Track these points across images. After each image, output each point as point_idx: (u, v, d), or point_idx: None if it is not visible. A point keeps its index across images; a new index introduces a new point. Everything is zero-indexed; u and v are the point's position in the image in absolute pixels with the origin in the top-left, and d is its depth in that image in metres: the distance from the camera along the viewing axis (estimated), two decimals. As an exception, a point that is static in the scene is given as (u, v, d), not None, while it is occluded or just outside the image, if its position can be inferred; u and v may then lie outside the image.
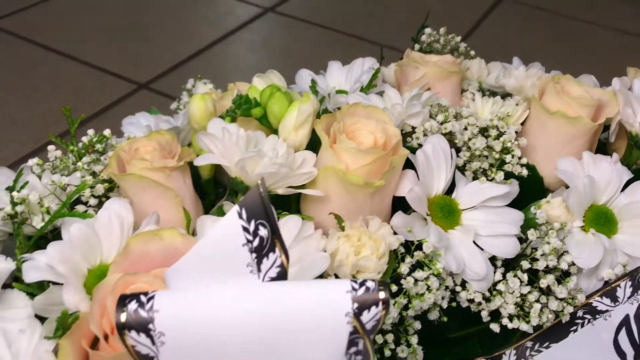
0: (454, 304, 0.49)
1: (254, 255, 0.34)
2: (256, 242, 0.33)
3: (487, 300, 0.49)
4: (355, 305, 0.32)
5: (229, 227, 0.33)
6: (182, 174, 0.49)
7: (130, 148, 0.48)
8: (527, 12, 1.35)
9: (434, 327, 0.50)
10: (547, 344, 0.51)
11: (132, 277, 0.37)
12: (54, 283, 0.40)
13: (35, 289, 0.41)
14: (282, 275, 0.34)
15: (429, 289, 0.46)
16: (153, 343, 0.32)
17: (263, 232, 0.33)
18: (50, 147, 0.49)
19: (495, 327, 0.49)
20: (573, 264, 0.49)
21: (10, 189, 0.46)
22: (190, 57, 1.11)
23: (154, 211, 0.45)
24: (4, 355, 0.35)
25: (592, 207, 0.53)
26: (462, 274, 0.49)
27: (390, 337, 0.47)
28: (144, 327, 0.32)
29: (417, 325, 0.48)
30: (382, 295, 0.32)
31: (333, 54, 0.63)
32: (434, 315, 0.48)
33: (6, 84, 0.96)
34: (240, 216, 0.33)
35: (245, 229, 0.33)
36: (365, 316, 0.32)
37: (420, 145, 0.53)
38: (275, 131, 0.53)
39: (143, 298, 0.33)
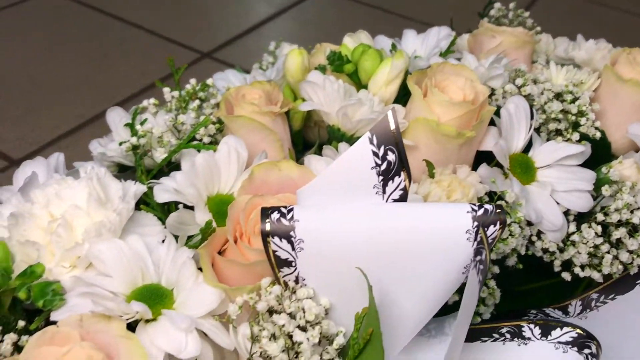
0: (530, 252, 0.53)
1: (381, 177, 0.37)
2: (384, 166, 0.37)
3: (561, 250, 0.53)
4: (475, 223, 0.36)
5: (359, 151, 0.37)
6: (282, 120, 0.53)
7: (237, 94, 0.52)
8: (571, 2, 1.38)
9: (507, 278, 0.53)
10: (612, 295, 0.55)
11: (259, 198, 0.41)
12: (179, 206, 0.45)
13: (159, 212, 0.45)
14: (404, 198, 0.38)
15: (511, 234, 0.50)
16: (293, 248, 0.36)
17: (391, 157, 0.37)
18: (166, 89, 0.53)
19: (566, 276, 0.53)
20: (644, 219, 0.52)
21: (130, 125, 0.50)
22: (246, 31, 1.15)
23: (262, 150, 0.49)
24: (147, 262, 0.39)
25: (662, 171, 0.56)
26: (539, 225, 0.52)
27: (472, 278, 0.50)
28: (286, 234, 0.36)
29: (496, 269, 0.51)
30: (500, 216, 0.36)
31: (382, 32, 0.66)
32: (512, 261, 0.52)
33: (79, 50, 1.00)
34: (370, 142, 0.37)
35: (375, 154, 0.37)
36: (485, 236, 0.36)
37: (499, 107, 0.56)
38: (362, 88, 0.56)
39: (284, 210, 0.37)
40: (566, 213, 0.54)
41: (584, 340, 0.38)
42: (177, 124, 0.49)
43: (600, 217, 0.52)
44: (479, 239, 0.35)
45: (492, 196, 0.52)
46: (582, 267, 0.52)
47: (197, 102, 0.52)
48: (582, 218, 0.54)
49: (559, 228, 0.52)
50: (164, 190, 0.44)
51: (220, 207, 0.45)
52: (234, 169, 0.47)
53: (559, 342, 0.38)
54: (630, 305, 0.54)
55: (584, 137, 0.56)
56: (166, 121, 0.49)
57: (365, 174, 0.38)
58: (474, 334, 0.41)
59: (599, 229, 0.52)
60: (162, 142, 0.48)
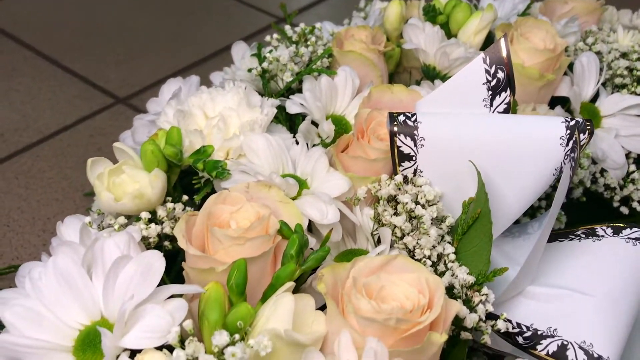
0: (592, 188, 0.60)
1: (490, 92, 0.45)
2: (493, 82, 0.45)
3: (621, 187, 0.60)
4: (568, 131, 0.43)
5: (473, 69, 0.45)
6: (382, 60, 0.61)
7: (347, 33, 0.60)
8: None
9: (571, 209, 0.60)
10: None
11: (377, 112, 0.49)
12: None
13: (285, 124, 0.53)
14: (507, 111, 0.46)
15: (580, 166, 0.58)
16: (415, 145, 0.44)
17: (501, 74, 0.45)
18: (287, 27, 0.61)
19: (624, 210, 0.60)
20: (697, 163, 0.60)
21: (257, 55, 0.58)
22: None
23: (369, 82, 0.57)
24: (286, 156, 0.47)
25: None
26: (603, 163, 0.60)
27: (543, 203, 0.58)
28: (410, 132, 0.44)
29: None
30: (589, 127, 0.44)
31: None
32: (577, 193, 0.59)
33: (168, 7, 1.09)
34: (484, 61, 0.45)
35: (487, 71, 0.45)
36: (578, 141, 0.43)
37: (571, 63, 0.64)
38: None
39: (409, 114, 0.45)
40: (627, 155, 0.61)
41: (649, 237, 0.46)
42: (298, 55, 0.58)
43: (658, 157, 0.60)
44: (571, 144, 0.42)
45: (564, 135, 0.59)
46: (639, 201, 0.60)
47: (313, 38, 0.60)
48: (640, 161, 0.62)
49: (621, 167, 0.60)
50: (294, 104, 0.52)
51: (335, 124, 0.54)
52: (348, 93, 0.55)
53: (629, 238, 0.46)
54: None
55: (645, 92, 0.64)
56: (290, 52, 0.57)
57: (477, 88, 0.45)
58: (552, 237, 0.49)
59: (657, 168, 0.59)
60: (288, 67, 0.56)
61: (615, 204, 0.61)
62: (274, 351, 0.33)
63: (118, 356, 0.34)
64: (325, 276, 0.36)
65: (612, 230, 0.47)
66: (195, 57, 0.97)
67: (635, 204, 0.60)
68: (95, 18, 1.04)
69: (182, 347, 0.32)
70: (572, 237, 0.49)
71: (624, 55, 0.65)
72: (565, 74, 0.62)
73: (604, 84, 0.65)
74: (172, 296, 0.36)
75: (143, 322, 0.34)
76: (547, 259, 0.46)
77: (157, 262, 0.36)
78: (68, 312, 0.36)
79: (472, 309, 0.39)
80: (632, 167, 0.60)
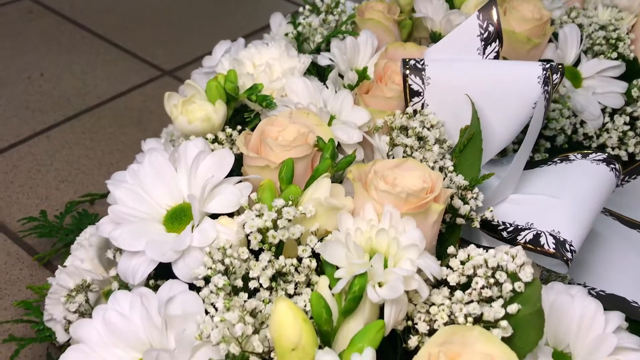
0: (573, 138, 0.72)
1: (482, 43, 0.57)
2: (485, 35, 0.57)
3: (597, 136, 0.72)
4: (545, 72, 0.55)
5: (469, 24, 0.57)
6: (397, 28, 0.73)
7: (367, 5, 0.72)
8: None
9: (554, 153, 0.72)
10: (634, 175, 0.73)
11: (392, 62, 0.61)
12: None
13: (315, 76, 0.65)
14: (496, 58, 0.57)
15: (562, 114, 0.69)
16: (423, 83, 0.56)
17: (491, 29, 0.56)
18: (318, 1, 0.73)
19: (600, 155, 0.72)
20: (662, 115, 0.71)
21: (292, 22, 0.70)
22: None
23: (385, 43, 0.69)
24: (318, 96, 0.59)
25: (678, 85, 0.74)
26: (582, 115, 0.71)
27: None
28: (419, 73, 0.56)
29: (548, 144, 0.70)
30: (560, 68, 0.55)
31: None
32: (560, 140, 0.70)
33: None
34: (478, 18, 0.57)
35: (480, 26, 0.57)
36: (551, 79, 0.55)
37: (556, 33, 0.75)
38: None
39: (418, 59, 0.57)
40: (603, 110, 0.72)
41: (610, 160, 0.57)
42: (326, 22, 0.70)
43: (628, 109, 0.71)
44: (547, 82, 0.54)
45: (549, 91, 0.71)
46: (613, 148, 0.71)
47: (341, 6, 0.72)
48: (614, 114, 0.73)
49: (597, 118, 0.71)
50: (324, 58, 0.65)
51: (358, 75, 0.65)
52: (368, 51, 0.67)
53: (594, 160, 0.57)
54: (648, 182, 0.72)
55: (620, 57, 0.75)
56: (319, 19, 0.69)
57: (472, 39, 0.57)
58: (533, 165, 0.60)
59: (627, 119, 0.71)
60: (318, 31, 0.68)
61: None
62: (316, 214, 0.45)
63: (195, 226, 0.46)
64: (353, 171, 0.48)
65: (581, 155, 0.58)
66: (230, 37, 1.09)
67: (609, 150, 0.71)
68: (142, 3, 1.17)
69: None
70: (550, 163, 0.60)
71: (602, 27, 0.77)
72: (551, 41, 0.74)
73: (585, 52, 0.76)
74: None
75: (220, 196, 0.46)
76: (528, 177, 0.58)
77: (228, 155, 0.48)
78: (159, 195, 0.48)
79: (466, 202, 0.50)
80: (607, 119, 0.72)
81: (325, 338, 0.40)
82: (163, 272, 0.46)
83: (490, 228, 0.54)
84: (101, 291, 0.51)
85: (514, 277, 0.42)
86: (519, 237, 0.52)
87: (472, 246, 0.44)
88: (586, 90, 0.73)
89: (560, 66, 0.55)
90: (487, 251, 0.43)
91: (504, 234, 0.54)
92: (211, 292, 0.41)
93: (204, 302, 0.42)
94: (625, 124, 0.71)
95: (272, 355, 0.39)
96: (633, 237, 0.65)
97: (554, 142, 0.71)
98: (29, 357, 0.58)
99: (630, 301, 0.56)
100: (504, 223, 0.54)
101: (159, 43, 1.05)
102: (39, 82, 0.95)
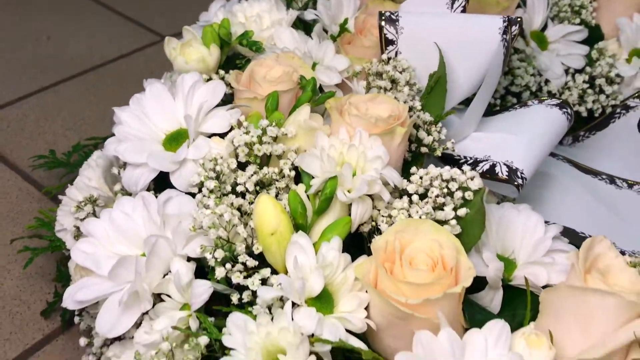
0: (538, 93, 0.78)
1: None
2: (453, -9, 0.63)
3: (560, 93, 0.78)
4: (505, 24, 0.61)
5: (439, -19, 0.63)
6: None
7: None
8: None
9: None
10: (593, 132, 0.80)
11: (372, 17, 0.67)
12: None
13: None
14: (464, 12, 0.64)
15: (526, 71, 0.75)
16: (396, 32, 0.63)
17: (458, -15, 0.63)
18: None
19: (562, 112, 0.78)
20: (618, 75, 0.77)
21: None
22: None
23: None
24: (303, 47, 0.66)
25: (635, 50, 0.81)
26: (545, 74, 0.78)
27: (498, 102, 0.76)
28: (394, 23, 0.62)
29: (515, 100, 0.77)
30: (519, 20, 0.62)
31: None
32: (525, 96, 0.77)
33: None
34: (446, -27, 0.63)
35: (449, -17, 0.63)
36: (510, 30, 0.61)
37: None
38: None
39: (392, 11, 0.63)
40: (567, 71, 0.79)
41: (563, 105, 0.64)
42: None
43: (588, 69, 0.77)
44: (506, 32, 0.60)
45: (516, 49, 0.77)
46: (574, 104, 0.78)
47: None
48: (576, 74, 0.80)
49: (559, 77, 0.78)
50: (310, 13, 0.71)
51: (340, 29, 0.72)
52: (351, 9, 0.73)
53: (548, 104, 0.64)
54: (605, 137, 0.79)
55: (583, 23, 0.81)
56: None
57: (442, -5, 0.64)
58: (493, 112, 0.67)
59: (586, 77, 0.77)
60: (304, -8, 0.75)
61: (556, 108, 0.79)
62: (297, 136, 0.51)
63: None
64: (331, 102, 0.54)
65: (538, 101, 0.65)
66: (226, 10, 1.16)
67: (570, 106, 0.78)
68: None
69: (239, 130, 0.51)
70: (511, 109, 0.67)
71: (567, -5, 0.83)
72: (520, 7, 0.81)
73: (552, 19, 0.83)
74: (228, 112, 0.55)
75: (212, 119, 0.53)
76: (490, 121, 0.64)
77: (219, 85, 0.55)
78: (159, 121, 0.55)
79: (430, 134, 0.57)
80: (569, 78, 0.78)
81: (301, 231, 0.47)
82: (162, 188, 0.53)
83: (453, 162, 0.61)
84: (106, 207, 0.57)
85: (464, 188, 0.49)
86: (477, 168, 0.59)
87: (431, 165, 0.51)
88: (550, 51, 0.79)
89: (519, 19, 0.62)
90: (442, 169, 0.50)
91: (465, 166, 0.61)
92: (203, 195, 0.48)
93: (197, 205, 0.48)
94: (584, 82, 0.77)
95: (254, 241, 0.45)
96: (586, 180, 0.72)
97: (520, 98, 0.78)
98: (41, 269, 0.65)
99: (579, 232, 0.63)
100: (465, 157, 0.61)
101: (160, 12, 1.12)
102: (46, 44, 1.01)
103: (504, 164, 0.58)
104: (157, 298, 0.47)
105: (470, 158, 0.60)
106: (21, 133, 0.83)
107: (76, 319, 0.53)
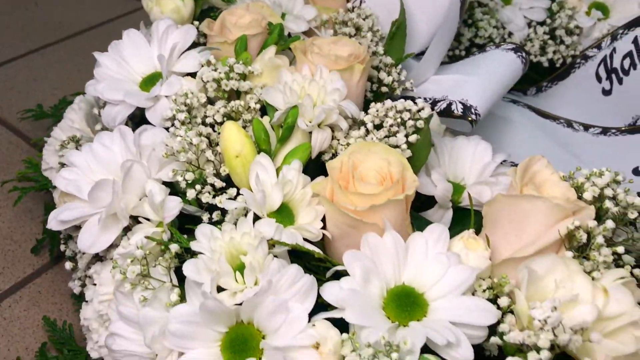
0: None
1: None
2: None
3: (523, 45, 0.82)
4: (461, -29, 0.65)
5: None
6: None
7: None
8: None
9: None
10: (555, 82, 0.84)
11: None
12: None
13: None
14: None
15: (489, 23, 0.79)
16: (360, -18, 0.66)
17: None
18: None
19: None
20: (577, 27, 0.81)
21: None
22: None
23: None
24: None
25: (594, 2, 0.85)
26: (508, 26, 0.82)
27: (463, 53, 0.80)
28: (357, -27, 0.66)
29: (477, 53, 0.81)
30: (474, -32, 0.65)
31: None
32: (481, 41, 0.81)
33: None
34: None
35: None
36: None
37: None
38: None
39: (356, -38, 0.67)
40: (529, 24, 0.83)
41: (518, 49, 0.68)
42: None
43: (548, 21, 0.81)
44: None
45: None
46: (535, 55, 0.82)
47: None
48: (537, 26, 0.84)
49: (521, 29, 0.82)
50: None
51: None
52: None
53: (504, 49, 0.68)
54: (566, 86, 0.83)
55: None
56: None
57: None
58: (452, 60, 0.71)
59: (547, 29, 0.81)
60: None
61: (520, 59, 0.83)
62: (263, 74, 0.55)
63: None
64: (296, 44, 0.58)
65: (495, 46, 0.69)
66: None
67: (532, 57, 0.82)
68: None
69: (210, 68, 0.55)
70: (470, 55, 0.71)
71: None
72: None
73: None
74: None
75: (185, 59, 0.57)
76: (449, 66, 0.68)
77: (191, 29, 0.59)
78: (136, 65, 0.59)
79: (390, 75, 0.61)
80: (531, 30, 0.82)
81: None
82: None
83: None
84: (89, 147, 0.62)
85: (416, 118, 0.53)
86: (436, 107, 0.63)
87: (388, 100, 0.55)
88: (513, 5, 0.83)
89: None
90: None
91: (418, 99, 0.65)
92: (175, 127, 0.52)
93: (170, 137, 0.52)
94: (545, 33, 0.81)
95: (221, 165, 0.50)
96: (545, 124, 0.76)
97: (484, 51, 0.82)
98: (30, 213, 0.69)
99: (534, 169, 0.68)
100: (425, 98, 0.65)
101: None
102: (33, 10, 1.05)
103: (459, 102, 0.62)
104: (135, 222, 0.51)
105: (430, 99, 0.64)
106: (10, 92, 0.87)
107: (62, 247, 0.58)
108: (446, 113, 0.62)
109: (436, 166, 0.53)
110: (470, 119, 0.61)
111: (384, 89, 0.61)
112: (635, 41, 0.76)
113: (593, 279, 0.41)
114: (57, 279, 0.63)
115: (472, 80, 0.64)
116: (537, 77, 0.86)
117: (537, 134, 0.74)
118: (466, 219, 0.53)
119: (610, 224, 0.43)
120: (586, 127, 0.76)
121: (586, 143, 0.75)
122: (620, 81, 0.78)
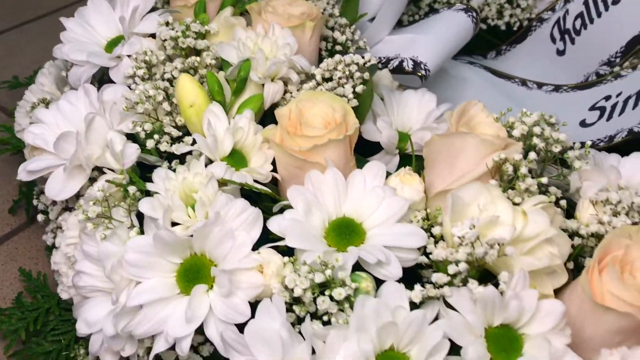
0: (461, 11, 0.85)
1: None
2: None
3: (481, 10, 0.86)
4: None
5: None
6: None
7: None
8: None
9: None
10: (514, 45, 0.87)
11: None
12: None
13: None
14: None
15: (447, -11, 0.83)
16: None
17: None
18: None
19: (483, 26, 0.86)
20: (533, -6, 0.85)
21: None
22: None
23: None
24: None
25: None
26: (466, -8, 0.85)
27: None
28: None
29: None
30: None
31: None
32: (440, 6, 0.84)
33: None
34: None
35: None
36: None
37: None
38: None
39: None
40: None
41: (469, 9, 0.71)
42: None
43: (502, -13, 0.85)
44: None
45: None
46: (493, 19, 0.85)
47: None
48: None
49: (478, -5, 0.85)
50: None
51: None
52: None
53: (455, 9, 0.71)
54: (524, 48, 0.86)
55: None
56: None
57: None
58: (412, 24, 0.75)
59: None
60: None
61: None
62: (219, 33, 0.59)
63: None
64: (252, 5, 0.61)
65: (447, 7, 0.73)
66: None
67: (489, 21, 0.85)
68: None
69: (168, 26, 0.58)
70: (425, 17, 0.74)
71: None
72: None
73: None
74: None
75: (146, 21, 0.60)
76: (404, 29, 0.72)
77: (152, -7, 0.62)
78: (100, 29, 0.62)
79: (343, 34, 0.64)
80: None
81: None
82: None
83: (369, 62, 0.68)
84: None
85: (363, 69, 0.56)
86: (389, 65, 0.67)
87: (337, 55, 0.59)
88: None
89: None
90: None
91: (380, 65, 0.68)
92: (135, 83, 0.55)
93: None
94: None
95: (178, 117, 0.53)
96: (500, 83, 0.80)
97: (437, 12, 0.85)
98: (8, 177, 0.73)
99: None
100: (379, 57, 0.68)
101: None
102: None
103: (410, 59, 0.66)
104: (100, 174, 0.54)
105: (384, 58, 0.68)
106: (-12, 67, 0.90)
107: (34, 201, 0.61)
108: (398, 70, 0.66)
109: (382, 114, 0.57)
110: (420, 74, 0.64)
111: (338, 48, 0.64)
112: (585, 2, 0.80)
113: (516, 204, 0.45)
114: (34, 236, 0.67)
115: (423, 39, 0.67)
116: (497, 41, 0.90)
117: (492, 92, 0.77)
118: (411, 163, 0.57)
119: (532, 155, 0.46)
120: (539, 85, 0.80)
121: (539, 100, 0.79)
122: (572, 41, 0.82)
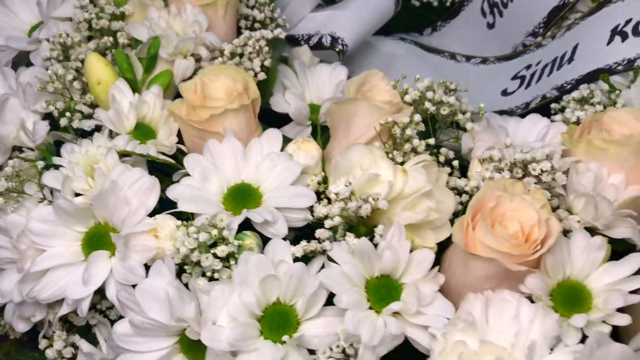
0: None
1: None
2: None
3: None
4: None
5: None
6: None
7: None
8: None
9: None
10: (448, 20, 0.89)
11: None
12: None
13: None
14: None
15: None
16: None
17: None
18: None
19: (416, 3, 0.88)
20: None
21: None
22: None
23: None
24: None
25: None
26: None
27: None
28: None
29: None
30: None
31: None
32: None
33: None
34: None
35: None
36: None
37: None
38: None
39: None
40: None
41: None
42: None
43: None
44: None
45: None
46: (428, -5, 0.87)
47: None
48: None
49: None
50: None
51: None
52: None
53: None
54: (457, 23, 0.88)
55: None
56: None
57: None
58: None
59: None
60: None
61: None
62: (134, 14, 0.61)
63: None
64: (169, -12, 0.63)
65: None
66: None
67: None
68: None
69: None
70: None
71: None
72: None
73: None
74: None
75: (62, 6, 0.62)
76: (327, 7, 0.74)
77: (70, -22, 0.63)
78: (24, 16, 0.64)
79: (262, 12, 0.66)
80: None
81: (131, 86, 0.56)
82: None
83: (292, 41, 0.70)
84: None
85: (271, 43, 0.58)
86: (310, 42, 0.68)
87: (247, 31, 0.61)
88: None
89: None
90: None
91: (302, 43, 0.70)
92: (51, 64, 0.57)
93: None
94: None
95: (88, 94, 0.55)
96: (429, 57, 0.82)
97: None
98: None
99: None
100: (301, 35, 0.70)
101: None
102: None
103: (329, 35, 0.67)
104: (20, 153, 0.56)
105: (305, 35, 0.70)
106: None
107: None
108: (318, 46, 0.68)
109: (291, 87, 0.59)
110: (337, 49, 0.66)
111: (257, 26, 0.66)
112: (512, -26, 0.82)
113: (400, 164, 0.47)
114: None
115: (342, 14, 0.69)
116: (433, 17, 0.92)
117: (420, 66, 0.79)
118: (324, 136, 0.59)
119: (417, 117, 0.49)
120: (468, 58, 0.82)
121: (466, 72, 0.81)
122: (500, 14, 0.84)
